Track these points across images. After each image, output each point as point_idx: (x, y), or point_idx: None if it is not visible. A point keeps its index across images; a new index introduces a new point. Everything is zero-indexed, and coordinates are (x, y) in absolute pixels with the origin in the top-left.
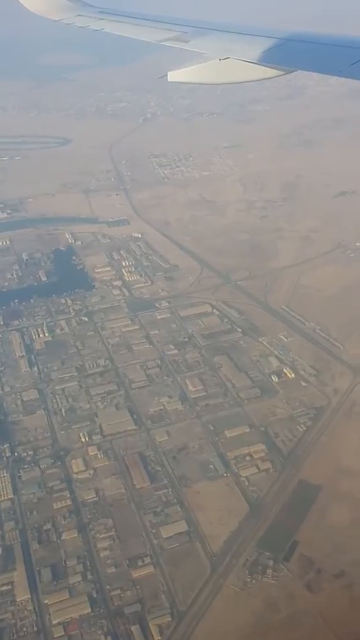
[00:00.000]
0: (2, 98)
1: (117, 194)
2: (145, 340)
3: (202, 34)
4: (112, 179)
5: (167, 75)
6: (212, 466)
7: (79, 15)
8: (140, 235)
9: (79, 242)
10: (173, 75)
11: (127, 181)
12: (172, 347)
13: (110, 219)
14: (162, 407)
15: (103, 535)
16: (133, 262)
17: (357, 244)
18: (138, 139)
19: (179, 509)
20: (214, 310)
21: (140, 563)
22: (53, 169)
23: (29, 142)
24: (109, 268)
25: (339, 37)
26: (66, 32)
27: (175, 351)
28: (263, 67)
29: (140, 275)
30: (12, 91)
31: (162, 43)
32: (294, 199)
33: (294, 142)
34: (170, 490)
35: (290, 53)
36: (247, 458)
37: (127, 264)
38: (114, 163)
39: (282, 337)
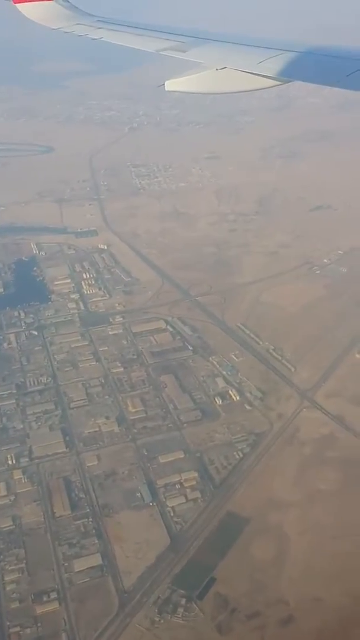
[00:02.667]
0: None
1: (90, 204)
2: (92, 357)
3: (200, 43)
4: (88, 189)
5: (164, 84)
6: (138, 494)
7: (78, 24)
8: (106, 247)
9: (43, 253)
10: (170, 85)
11: (102, 191)
12: (118, 364)
13: (79, 230)
14: (97, 429)
15: (12, 567)
16: (94, 275)
17: (325, 260)
18: (121, 148)
19: (97, 541)
20: (168, 327)
21: (45, 598)
22: (30, 177)
23: (13, 149)
24: (68, 280)
25: (335, 48)
26: (65, 40)
27: (121, 369)
28: (260, 78)
29: (99, 289)
30: (5, 97)
31: (160, 52)
32: (267, 213)
33: (276, 154)
34: (90, 519)
35: (287, 64)
36: (177, 486)
37: (87, 276)
38: (92, 172)
39: (233, 356)
